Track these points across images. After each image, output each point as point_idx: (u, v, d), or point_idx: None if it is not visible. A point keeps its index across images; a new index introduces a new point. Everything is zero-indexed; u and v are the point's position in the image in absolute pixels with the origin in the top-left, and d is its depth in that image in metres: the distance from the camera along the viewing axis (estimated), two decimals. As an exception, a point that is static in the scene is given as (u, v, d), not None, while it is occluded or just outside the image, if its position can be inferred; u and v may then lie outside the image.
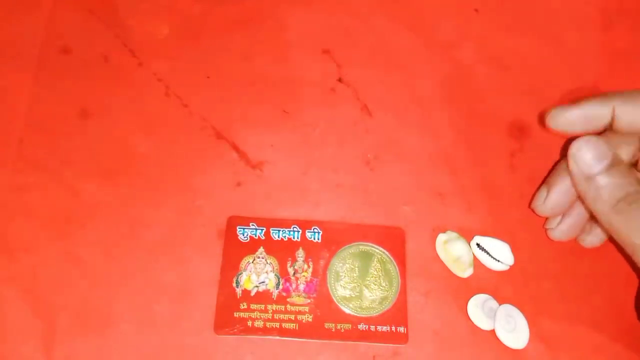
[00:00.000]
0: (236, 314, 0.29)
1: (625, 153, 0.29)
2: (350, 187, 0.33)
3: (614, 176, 0.27)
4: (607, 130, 0.29)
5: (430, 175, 0.33)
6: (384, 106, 0.35)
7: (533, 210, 0.31)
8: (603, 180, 0.27)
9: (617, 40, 0.37)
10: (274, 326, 0.29)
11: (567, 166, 0.28)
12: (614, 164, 0.27)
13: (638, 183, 0.26)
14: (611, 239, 0.30)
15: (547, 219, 0.32)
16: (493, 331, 0.29)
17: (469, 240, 0.31)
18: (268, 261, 0.30)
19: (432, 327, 0.30)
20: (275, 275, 0.30)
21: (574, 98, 0.35)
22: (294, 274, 0.30)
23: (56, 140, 0.32)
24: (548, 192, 0.30)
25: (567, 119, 0.29)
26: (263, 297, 0.30)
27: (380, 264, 0.31)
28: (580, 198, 0.29)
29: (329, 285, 0.30)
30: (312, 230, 0.31)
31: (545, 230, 0.31)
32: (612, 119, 0.28)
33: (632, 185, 0.26)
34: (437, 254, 0.31)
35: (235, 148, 0.33)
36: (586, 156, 0.27)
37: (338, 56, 0.36)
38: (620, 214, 0.26)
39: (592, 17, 0.38)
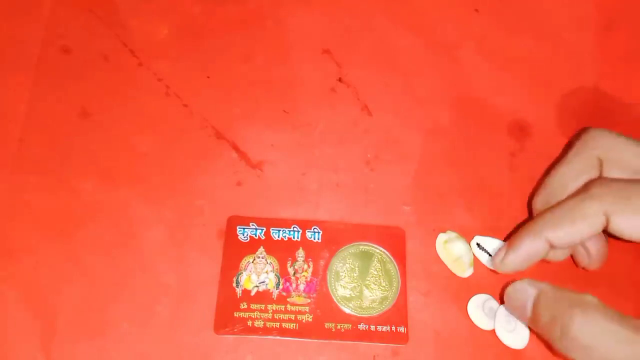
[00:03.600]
0: (236, 314, 0.29)
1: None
2: (350, 187, 0.33)
3: (545, 312, 0.26)
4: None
5: (430, 175, 0.33)
6: (384, 106, 0.35)
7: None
8: (540, 322, 0.26)
9: (617, 40, 0.37)
10: (274, 326, 0.29)
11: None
12: (539, 298, 0.27)
13: (571, 305, 0.25)
14: None
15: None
16: (493, 331, 0.29)
17: (469, 240, 0.31)
18: (268, 261, 0.30)
19: (432, 327, 0.30)
20: (275, 275, 0.30)
21: (574, 98, 0.36)
22: (294, 273, 0.30)
23: (56, 140, 0.32)
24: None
25: (511, 265, 0.29)
26: (263, 297, 0.30)
27: (380, 263, 0.31)
28: None
29: (329, 285, 0.30)
30: (312, 230, 0.31)
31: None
32: (550, 246, 0.28)
33: (563, 315, 0.25)
34: (437, 254, 0.31)
35: (235, 148, 0.33)
36: (513, 308, 0.28)
37: (338, 56, 0.36)
38: (569, 347, 0.25)
39: (592, 17, 0.38)
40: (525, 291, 0.27)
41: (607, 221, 0.26)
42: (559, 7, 0.38)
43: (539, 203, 0.30)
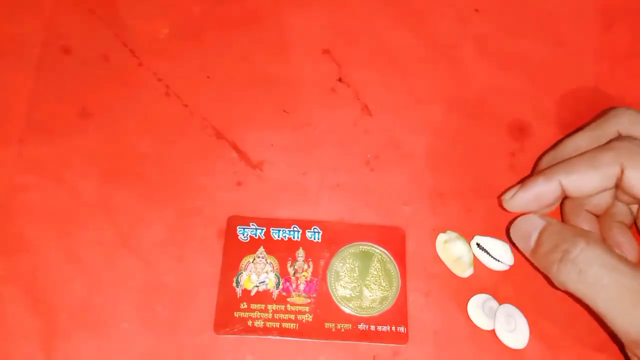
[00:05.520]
0: (236, 314, 0.29)
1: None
2: (350, 187, 0.33)
3: (548, 241, 0.27)
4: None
5: (430, 175, 0.33)
6: (384, 106, 0.35)
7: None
8: (541, 250, 0.28)
9: (617, 40, 0.38)
10: (274, 326, 0.29)
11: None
12: (546, 228, 0.28)
13: (575, 234, 0.27)
14: None
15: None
16: (493, 331, 0.29)
17: (469, 240, 0.31)
18: (268, 261, 0.30)
19: (432, 327, 0.30)
20: (275, 275, 0.30)
21: (574, 98, 0.36)
22: (294, 273, 0.30)
23: (56, 140, 0.33)
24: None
25: (520, 202, 0.29)
26: (263, 296, 0.30)
27: (380, 264, 0.31)
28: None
29: (329, 285, 0.30)
30: (312, 230, 0.31)
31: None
32: (562, 191, 0.28)
33: (565, 241, 0.27)
34: (437, 254, 0.31)
35: (235, 148, 0.33)
36: (518, 237, 0.29)
37: (338, 56, 0.36)
38: (565, 271, 0.26)
39: (592, 17, 0.38)
40: (533, 222, 0.28)
41: (622, 174, 0.27)
42: (559, 7, 0.38)
43: (546, 159, 0.31)
